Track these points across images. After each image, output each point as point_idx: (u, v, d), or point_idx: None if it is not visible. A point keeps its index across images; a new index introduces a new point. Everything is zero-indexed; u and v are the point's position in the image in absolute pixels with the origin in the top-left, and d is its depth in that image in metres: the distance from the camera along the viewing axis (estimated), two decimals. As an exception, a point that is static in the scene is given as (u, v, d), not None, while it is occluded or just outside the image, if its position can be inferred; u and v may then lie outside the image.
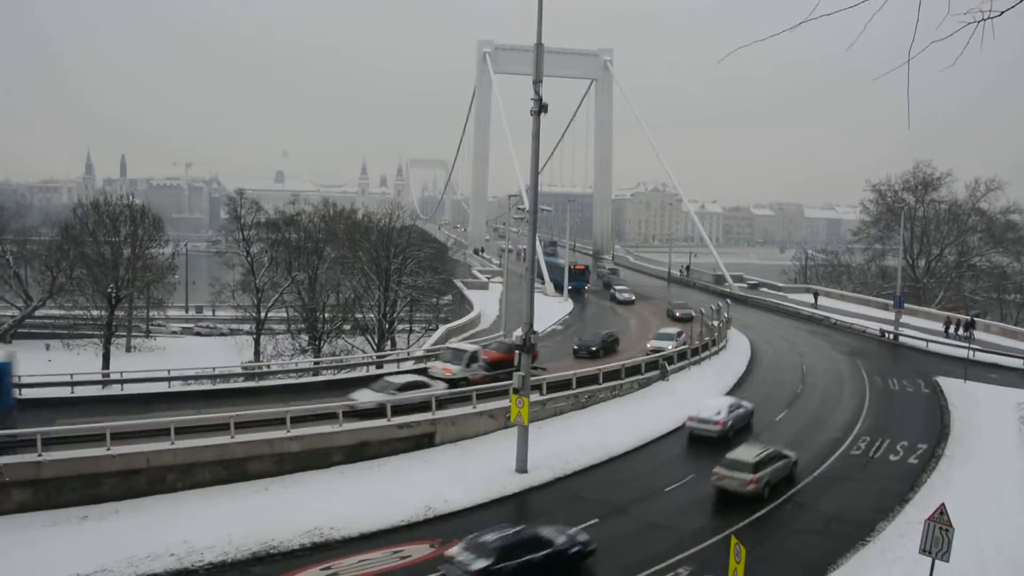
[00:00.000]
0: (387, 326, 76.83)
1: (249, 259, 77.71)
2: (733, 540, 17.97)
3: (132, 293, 76.27)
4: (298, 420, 29.55)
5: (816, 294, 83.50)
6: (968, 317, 68.61)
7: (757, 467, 27.35)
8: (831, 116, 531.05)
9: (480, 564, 20.00)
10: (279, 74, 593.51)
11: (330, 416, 30.37)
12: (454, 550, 21.09)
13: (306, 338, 75.32)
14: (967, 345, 53.45)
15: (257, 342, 75.23)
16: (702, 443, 34.59)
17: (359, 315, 78.19)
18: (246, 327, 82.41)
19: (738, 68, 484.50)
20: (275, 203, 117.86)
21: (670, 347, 50.06)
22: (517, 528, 22.26)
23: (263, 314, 76.59)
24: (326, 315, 76.29)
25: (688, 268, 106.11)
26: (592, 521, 25.29)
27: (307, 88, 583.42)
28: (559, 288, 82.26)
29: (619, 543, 23.73)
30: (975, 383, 47.52)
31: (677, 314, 67.00)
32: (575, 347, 51.70)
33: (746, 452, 28.69)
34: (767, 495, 27.48)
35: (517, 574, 20.40)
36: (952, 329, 66.16)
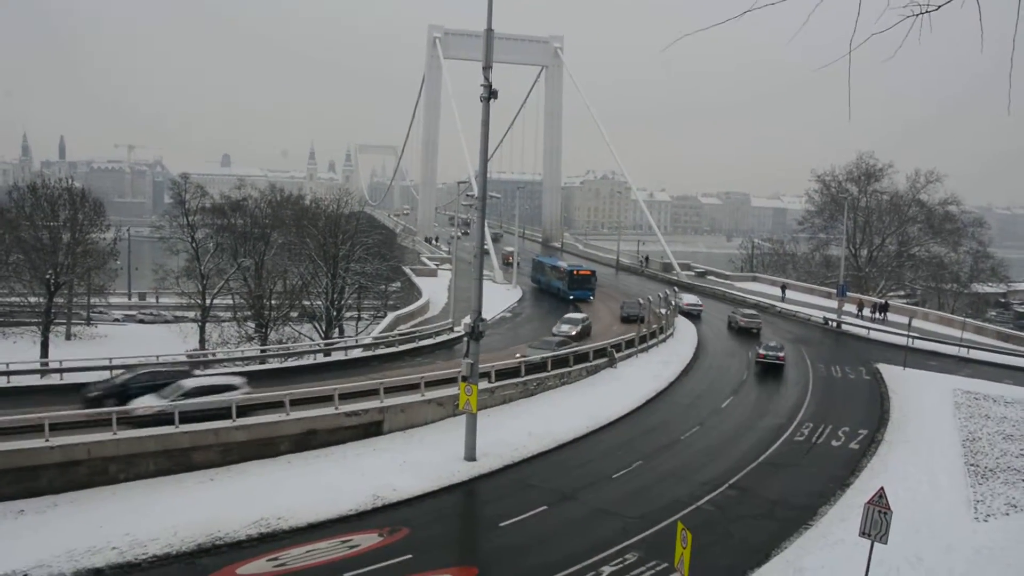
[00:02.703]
0: (335, 313, 76.15)
1: (194, 245, 76.32)
2: (680, 526, 18.15)
3: (72, 279, 74.43)
4: (245, 408, 29.19)
5: (784, 287, 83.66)
6: (882, 301, 74.72)
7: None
8: (789, 114, 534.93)
9: None
10: (224, 57, 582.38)
11: (277, 404, 30.03)
12: None
13: (252, 325, 74.30)
14: (907, 333, 54.71)
15: (202, 329, 74.01)
16: (651, 430, 35.25)
17: (306, 302, 77.38)
18: (191, 314, 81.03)
19: (703, 63, 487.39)
20: (221, 188, 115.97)
21: None
22: None
23: (208, 301, 75.37)
24: (273, 302, 75.31)
25: (647, 259, 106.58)
26: (541, 508, 25.42)
27: (254, 72, 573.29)
28: (508, 276, 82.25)
29: (567, 529, 23.88)
30: (914, 370, 48.79)
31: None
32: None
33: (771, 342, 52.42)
34: None
35: None
36: (867, 311, 71.40)
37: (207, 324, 74.57)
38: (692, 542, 17.59)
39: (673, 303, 62.50)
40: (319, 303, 76.51)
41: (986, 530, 24.75)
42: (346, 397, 31.92)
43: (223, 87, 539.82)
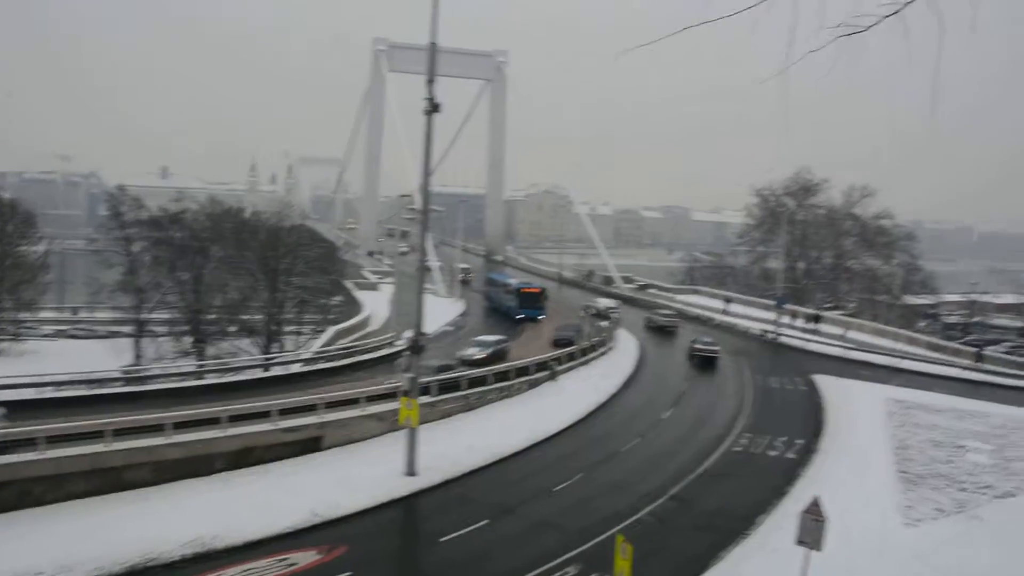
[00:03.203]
0: (275, 328, 75.12)
1: (129, 258, 74.69)
2: (619, 538, 18.23)
3: (-1, 293, 72.33)
4: (180, 425, 28.54)
5: (728, 300, 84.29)
6: (815, 312, 76.61)
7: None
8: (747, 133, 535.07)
9: None
10: (160, 64, 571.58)
11: (213, 421, 29.43)
12: None
13: (190, 340, 72.92)
14: (842, 343, 55.94)
15: (137, 345, 72.43)
16: (592, 443, 35.36)
17: (246, 317, 76.21)
18: (126, 329, 79.21)
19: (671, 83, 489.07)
20: (159, 200, 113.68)
21: None
22: None
23: (144, 316, 73.77)
24: (211, 316, 74.00)
25: (592, 273, 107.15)
26: (482, 522, 25.29)
27: (192, 81, 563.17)
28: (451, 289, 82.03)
29: (507, 544, 23.82)
30: (849, 380, 49.97)
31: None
32: None
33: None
34: None
35: None
36: (801, 322, 72.81)
37: (143, 339, 72.99)
38: (632, 554, 17.67)
39: (613, 317, 63.03)
40: (259, 318, 75.41)
41: (915, 535, 25.47)
42: (285, 413, 31.43)
43: (165, 97, 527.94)
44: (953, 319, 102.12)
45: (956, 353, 63.39)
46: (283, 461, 30.02)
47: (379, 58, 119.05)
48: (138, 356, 70.35)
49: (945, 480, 31.23)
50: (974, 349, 63.63)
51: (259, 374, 46.47)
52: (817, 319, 73.46)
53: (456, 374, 41.22)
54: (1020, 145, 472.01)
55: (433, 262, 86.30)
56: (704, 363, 53.81)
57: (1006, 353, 68.50)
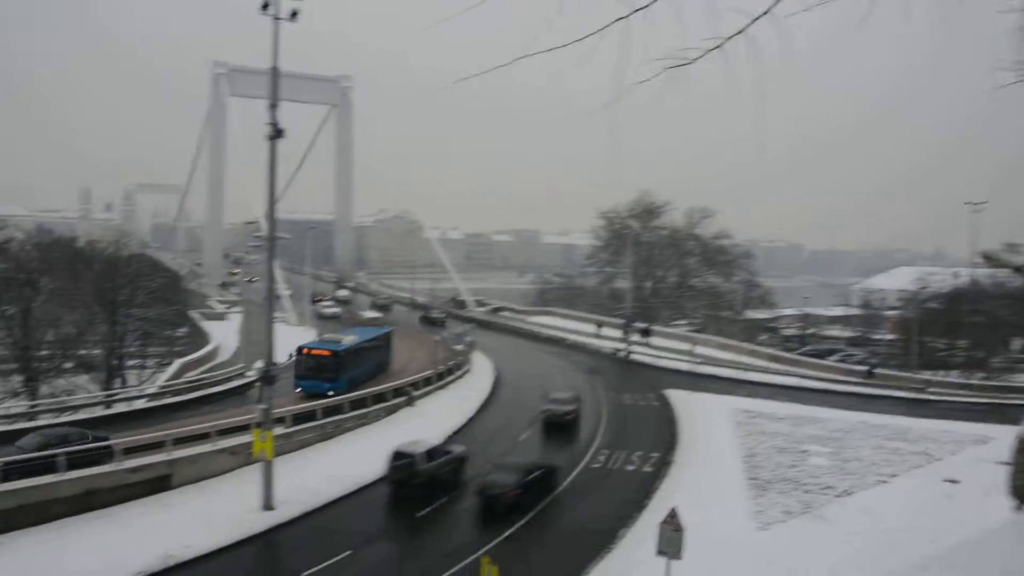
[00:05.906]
0: (116, 362, 71.13)
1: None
2: (484, 560, 18.19)
3: None
4: (10, 471, 26.43)
5: (600, 324, 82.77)
6: (645, 326, 78.93)
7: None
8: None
9: None
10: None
11: (48, 465, 27.42)
12: None
13: (19, 379, 67.91)
14: (690, 359, 58.18)
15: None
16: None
17: (83, 352, 71.75)
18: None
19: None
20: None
21: None
22: None
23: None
24: (43, 353, 69.20)
25: (456, 299, 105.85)
26: (344, 554, 24.70)
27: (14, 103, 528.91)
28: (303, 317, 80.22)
29: (372, 573, 23.35)
30: (698, 393, 51.83)
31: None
32: None
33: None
34: None
35: None
36: (636, 336, 74.19)
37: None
38: (499, 574, 17.66)
39: (469, 340, 63.14)
40: (97, 352, 71.18)
41: (767, 539, 26.62)
42: (130, 451, 29.75)
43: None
44: (790, 331, 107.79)
45: (795, 363, 66.95)
46: (131, 503, 28.26)
47: (219, 81, 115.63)
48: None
49: (791, 484, 32.87)
50: (865, 368, 64.56)
51: (100, 412, 43.82)
52: (647, 332, 76.11)
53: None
54: (840, 176, 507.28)
55: (283, 290, 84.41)
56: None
57: (839, 361, 72.54)
